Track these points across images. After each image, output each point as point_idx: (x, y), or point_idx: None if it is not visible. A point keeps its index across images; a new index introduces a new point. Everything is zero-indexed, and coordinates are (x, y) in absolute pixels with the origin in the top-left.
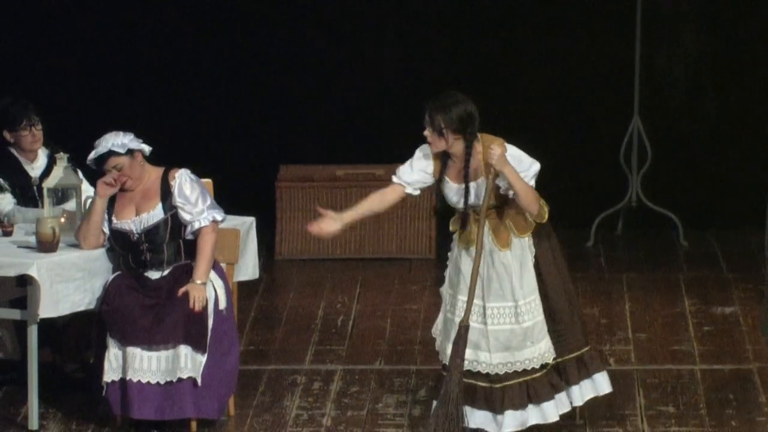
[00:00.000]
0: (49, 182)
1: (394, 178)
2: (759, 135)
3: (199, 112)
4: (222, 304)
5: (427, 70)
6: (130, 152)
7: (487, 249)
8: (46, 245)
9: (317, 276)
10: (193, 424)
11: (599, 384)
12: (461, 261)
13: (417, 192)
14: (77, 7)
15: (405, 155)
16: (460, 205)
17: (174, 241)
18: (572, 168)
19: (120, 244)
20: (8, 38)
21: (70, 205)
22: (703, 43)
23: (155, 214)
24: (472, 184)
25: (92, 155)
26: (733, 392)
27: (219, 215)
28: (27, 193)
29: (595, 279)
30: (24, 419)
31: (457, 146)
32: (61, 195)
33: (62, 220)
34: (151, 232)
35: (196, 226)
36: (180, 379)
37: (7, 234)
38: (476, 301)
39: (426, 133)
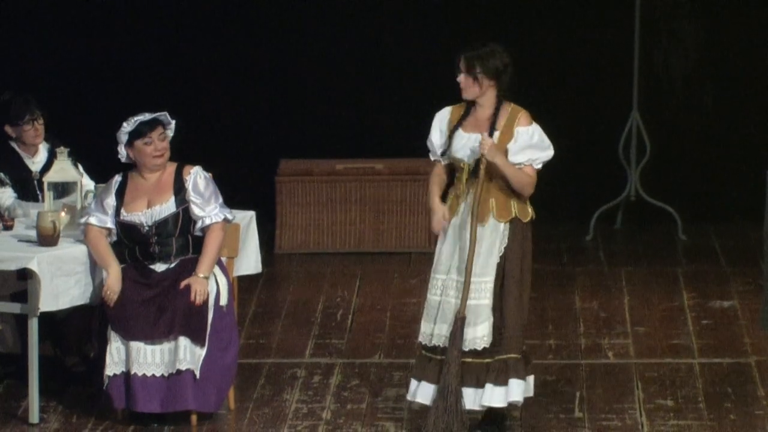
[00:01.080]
0: (50, 176)
1: (430, 156)
2: (757, 129)
3: (200, 106)
4: (223, 300)
5: (427, 66)
6: (166, 127)
7: (465, 222)
8: (46, 239)
9: (317, 270)
10: (194, 417)
11: (496, 394)
12: (440, 236)
13: (448, 160)
14: (77, 3)
15: (404, 150)
16: (467, 158)
17: (183, 235)
18: (571, 162)
19: (128, 237)
20: (9, 34)
21: (71, 199)
22: (701, 38)
23: (167, 207)
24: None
25: (132, 125)
26: (731, 386)
27: (230, 215)
28: (27, 187)
29: (594, 273)
30: (25, 413)
31: (489, 94)
32: (61, 189)
33: (63, 214)
34: (162, 225)
35: (207, 222)
36: (179, 371)
37: (8, 228)
38: (452, 275)
39: (460, 78)
